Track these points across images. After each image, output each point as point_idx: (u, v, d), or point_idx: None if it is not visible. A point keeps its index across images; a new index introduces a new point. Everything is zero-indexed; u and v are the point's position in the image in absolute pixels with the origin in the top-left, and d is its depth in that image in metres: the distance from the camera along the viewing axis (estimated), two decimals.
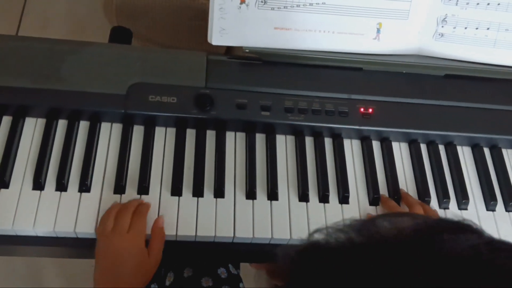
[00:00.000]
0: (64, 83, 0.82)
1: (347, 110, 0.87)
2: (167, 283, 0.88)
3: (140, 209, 0.77)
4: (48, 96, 0.81)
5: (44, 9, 1.83)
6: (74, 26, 1.80)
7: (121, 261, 0.73)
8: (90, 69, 0.84)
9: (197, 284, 0.86)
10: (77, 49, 0.85)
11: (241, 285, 0.95)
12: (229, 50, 1.08)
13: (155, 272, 0.76)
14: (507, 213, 0.87)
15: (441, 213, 0.85)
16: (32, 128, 0.83)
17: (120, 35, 1.02)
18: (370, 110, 0.88)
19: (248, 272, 1.26)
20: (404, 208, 0.83)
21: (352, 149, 0.89)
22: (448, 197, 0.86)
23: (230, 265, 0.94)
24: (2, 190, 0.77)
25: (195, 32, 1.19)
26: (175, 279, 0.88)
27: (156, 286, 0.90)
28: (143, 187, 0.80)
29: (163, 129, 0.86)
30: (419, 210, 0.80)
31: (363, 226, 0.40)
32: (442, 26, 0.89)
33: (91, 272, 0.74)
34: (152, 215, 0.78)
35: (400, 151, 0.90)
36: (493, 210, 0.87)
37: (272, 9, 0.84)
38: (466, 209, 0.87)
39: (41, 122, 0.83)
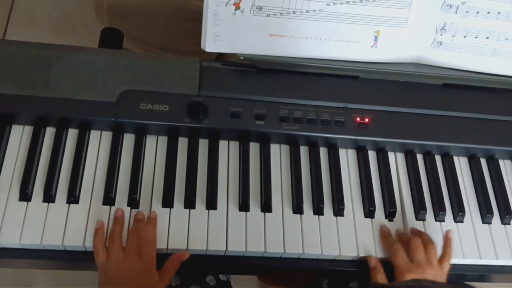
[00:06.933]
0: (52, 90, 0.79)
1: (343, 120, 0.85)
2: None
3: (146, 235, 0.75)
4: (36, 104, 0.79)
5: (32, 6, 1.80)
6: (63, 21, 1.77)
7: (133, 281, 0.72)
8: (79, 76, 0.81)
9: None
10: (66, 55, 0.82)
11: None
12: (221, 55, 1.05)
13: None
14: (503, 226, 0.86)
15: (436, 226, 0.84)
16: (19, 136, 0.80)
17: (111, 37, 0.99)
18: (367, 119, 0.86)
19: (238, 276, 1.24)
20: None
21: (347, 159, 0.87)
22: (444, 210, 0.84)
23: None
24: None
25: (188, 33, 1.16)
26: None
27: None
28: (133, 199, 0.77)
29: (155, 138, 0.83)
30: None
31: None
32: (441, 34, 0.88)
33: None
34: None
35: (396, 161, 0.89)
36: (489, 223, 0.86)
37: (268, 15, 0.82)
38: (462, 221, 0.85)
39: (28, 129, 0.81)
